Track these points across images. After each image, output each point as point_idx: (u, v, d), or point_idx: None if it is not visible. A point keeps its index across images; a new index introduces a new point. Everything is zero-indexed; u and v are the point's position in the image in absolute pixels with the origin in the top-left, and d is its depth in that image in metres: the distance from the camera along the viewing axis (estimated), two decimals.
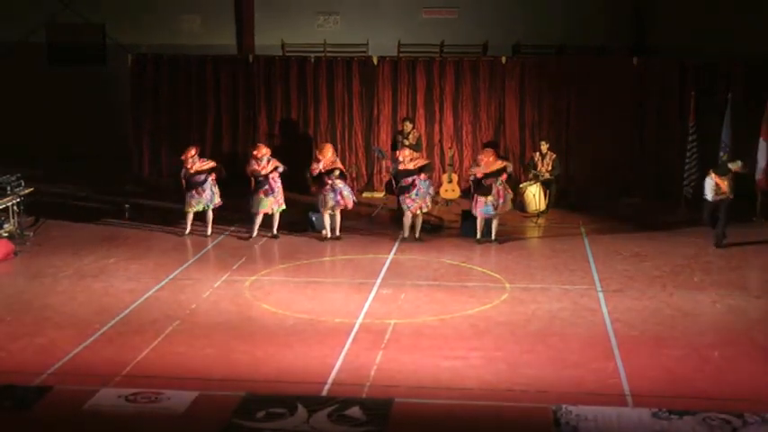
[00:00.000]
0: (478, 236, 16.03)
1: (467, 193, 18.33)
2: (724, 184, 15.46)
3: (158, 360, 10.65)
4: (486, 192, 15.86)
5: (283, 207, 16.24)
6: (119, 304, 12.59)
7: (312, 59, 20.65)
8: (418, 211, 16.06)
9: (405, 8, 22.19)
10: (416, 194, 15.97)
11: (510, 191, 16.16)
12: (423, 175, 16.06)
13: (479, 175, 15.94)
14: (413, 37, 21.64)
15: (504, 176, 15.93)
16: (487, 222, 16.03)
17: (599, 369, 10.43)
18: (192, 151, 16.26)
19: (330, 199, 15.99)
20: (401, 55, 21.20)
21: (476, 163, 16.51)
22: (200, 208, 16.26)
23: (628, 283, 13.76)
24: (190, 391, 9.62)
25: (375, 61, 20.43)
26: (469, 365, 10.50)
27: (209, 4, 22.60)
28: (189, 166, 16.16)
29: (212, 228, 16.40)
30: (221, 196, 16.41)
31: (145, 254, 15.24)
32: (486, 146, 18.68)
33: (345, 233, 16.43)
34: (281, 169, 16.13)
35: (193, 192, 16.16)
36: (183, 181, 16.30)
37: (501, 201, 15.88)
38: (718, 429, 8.77)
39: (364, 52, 21.36)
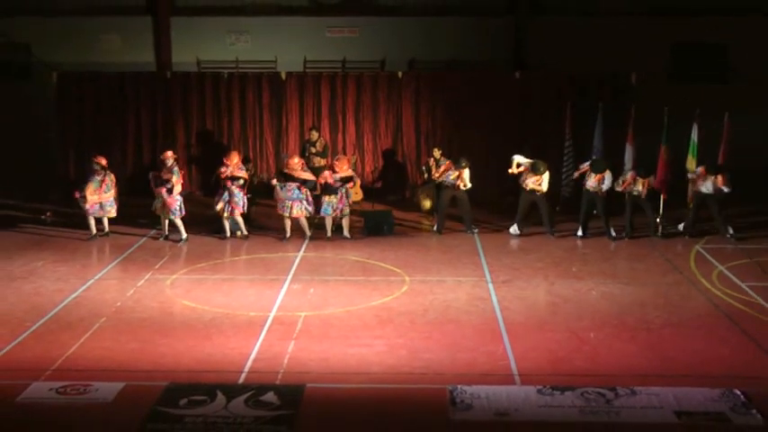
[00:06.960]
0: (328, 234, 16.11)
1: (369, 196, 18.53)
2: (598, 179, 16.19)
3: (86, 354, 10.48)
4: (332, 192, 15.98)
5: (171, 216, 15.90)
6: (48, 304, 12.34)
7: (225, 75, 20.49)
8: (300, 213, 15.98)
9: (310, 28, 22.12)
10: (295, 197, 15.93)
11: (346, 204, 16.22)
12: (302, 189, 15.95)
13: (330, 180, 16.06)
14: (318, 54, 21.63)
15: (351, 185, 16.27)
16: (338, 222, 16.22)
17: (490, 352, 10.61)
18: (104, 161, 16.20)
19: (222, 201, 15.93)
20: (307, 70, 21.19)
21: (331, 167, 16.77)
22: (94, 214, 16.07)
23: (514, 275, 13.99)
24: (116, 382, 9.50)
25: (283, 76, 20.35)
26: (374, 352, 10.58)
27: (128, 25, 22.20)
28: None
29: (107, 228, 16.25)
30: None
31: (71, 257, 14.93)
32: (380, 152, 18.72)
33: (256, 234, 16.43)
34: (169, 185, 15.88)
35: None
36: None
37: (340, 206, 16.01)
38: (594, 402, 9.02)
39: (273, 68, 21.28)
